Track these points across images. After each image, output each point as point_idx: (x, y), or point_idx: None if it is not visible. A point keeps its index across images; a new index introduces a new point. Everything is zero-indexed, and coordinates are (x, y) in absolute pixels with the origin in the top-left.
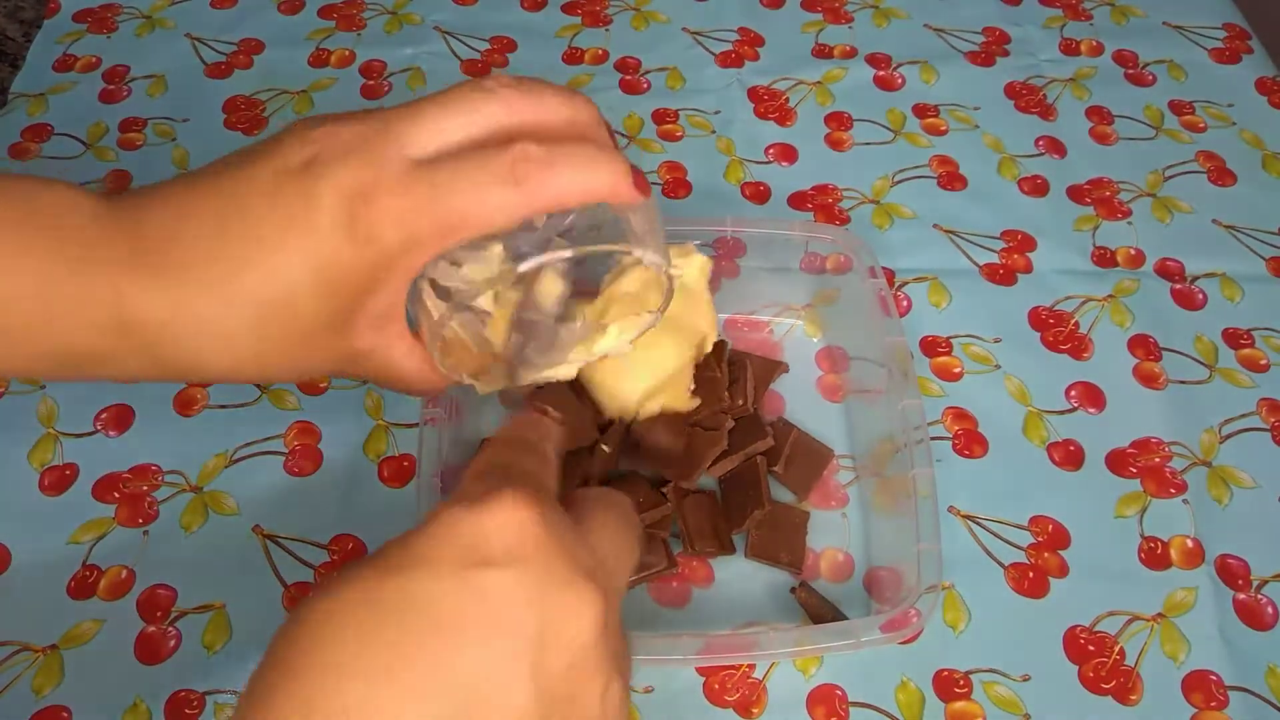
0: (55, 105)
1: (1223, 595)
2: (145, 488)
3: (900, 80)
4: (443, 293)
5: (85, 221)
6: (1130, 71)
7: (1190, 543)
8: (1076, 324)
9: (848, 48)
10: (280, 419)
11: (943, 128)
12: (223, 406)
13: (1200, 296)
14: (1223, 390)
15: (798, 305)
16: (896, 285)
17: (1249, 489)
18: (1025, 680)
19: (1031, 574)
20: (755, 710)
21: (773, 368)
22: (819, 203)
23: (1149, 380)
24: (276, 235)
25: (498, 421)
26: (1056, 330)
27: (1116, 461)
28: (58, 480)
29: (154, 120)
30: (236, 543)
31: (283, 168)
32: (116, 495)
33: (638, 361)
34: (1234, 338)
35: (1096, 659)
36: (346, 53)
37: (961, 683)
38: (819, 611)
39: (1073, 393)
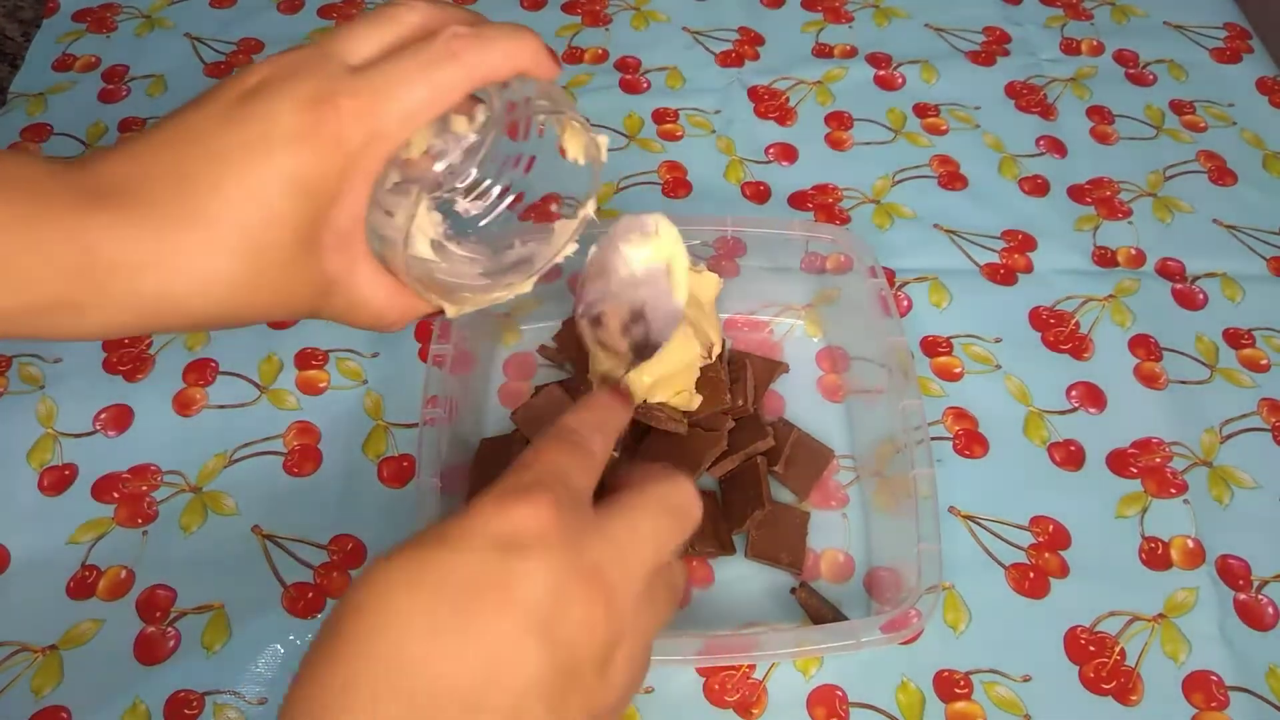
0: (54, 105)
1: (1223, 595)
2: (144, 488)
3: (901, 80)
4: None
5: (39, 176)
6: (1131, 71)
7: (1191, 543)
8: (1077, 324)
9: (848, 47)
10: (280, 419)
11: (943, 127)
12: (222, 407)
13: (1201, 296)
14: (1223, 390)
15: (798, 305)
16: (897, 285)
17: (1250, 489)
18: (1026, 681)
19: (1032, 574)
20: (755, 711)
21: (773, 368)
22: (819, 202)
23: (1150, 380)
24: (241, 155)
25: (498, 422)
26: (1057, 330)
27: (1117, 461)
28: (57, 480)
29: (153, 120)
30: (236, 543)
31: (234, 96)
32: (116, 495)
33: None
34: (1235, 338)
35: (1097, 659)
36: None
37: (962, 683)
38: (819, 612)
39: (1073, 393)
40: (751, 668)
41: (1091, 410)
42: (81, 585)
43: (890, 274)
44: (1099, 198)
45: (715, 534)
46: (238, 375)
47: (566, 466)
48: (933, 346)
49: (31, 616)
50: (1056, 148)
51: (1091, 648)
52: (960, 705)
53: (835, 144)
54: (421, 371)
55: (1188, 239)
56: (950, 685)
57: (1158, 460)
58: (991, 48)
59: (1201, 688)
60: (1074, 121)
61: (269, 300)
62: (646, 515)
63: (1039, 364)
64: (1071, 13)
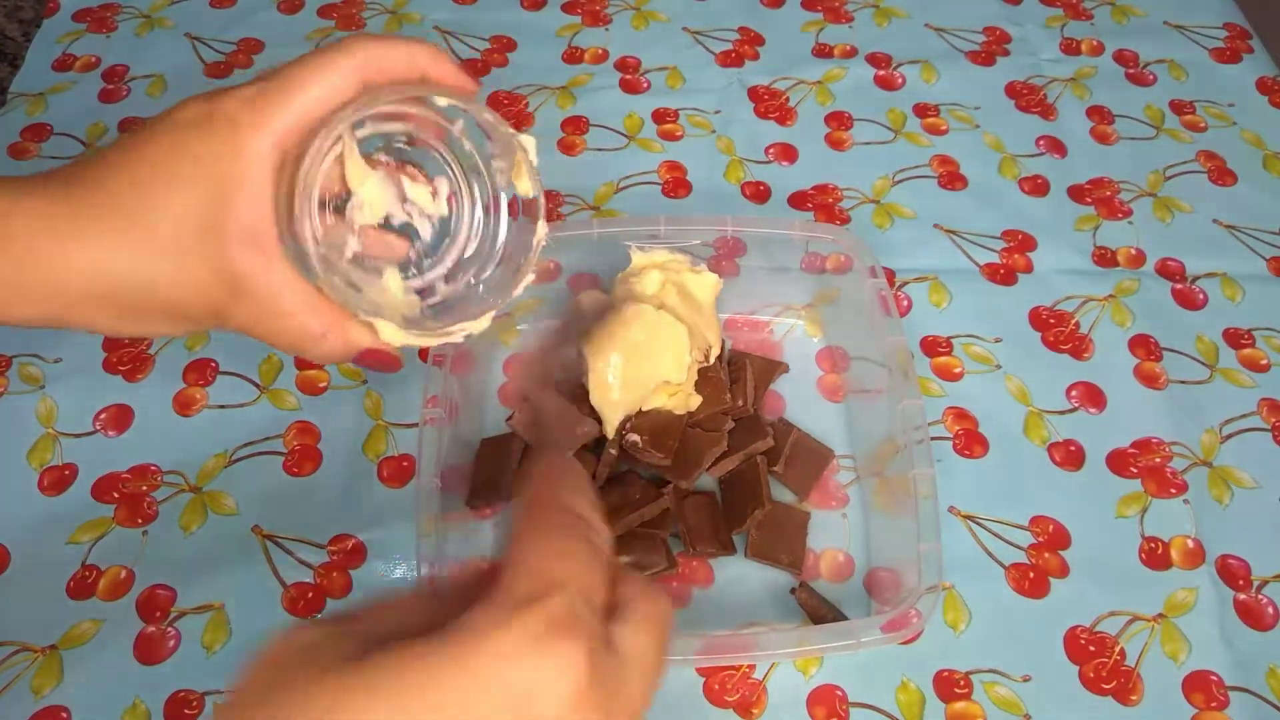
0: (54, 105)
1: (1223, 595)
2: (144, 488)
3: (901, 80)
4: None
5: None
6: (1131, 71)
7: (1191, 543)
8: (1077, 324)
9: (848, 47)
10: (280, 419)
11: (943, 127)
12: (222, 407)
13: (1201, 296)
14: (1223, 390)
15: (798, 305)
16: (897, 285)
17: (1250, 489)
18: (1026, 681)
19: (1032, 574)
20: (755, 710)
21: (773, 368)
22: (819, 202)
23: (1150, 380)
24: (145, 138)
25: (498, 422)
26: (1057, 330)
27: (1117, 461)
28: (57, 480)
29: None
30: (236, 543)
31: (181, 112)
32: (116, 495)
33: (629, 378)
34: (1234, 337)
35: (1097, 659)
36: None
37: (962, 683)
38: (819, 612)
39: (1073, 393)
40: (751, 668)
41: (1091, 410)
42: (81, 585)
43: (890, 274)
44: (1099, 198)
45: (715, 534)
46: (238, 375)
47: (592, 584)
48: (933, 346)
49: (31, 616)
50: (1056, 148)
51: (1091, 648)
52: (960, 705)
53: (835, 144)
54: (421, 371)
55: (1188, 239)
56: (950, 685)
57: (1158, 460)
58: (991, 48)
59: (1201, 688)
60: (1074, 121)
61: (169, 283)
62: (653, 647)
63: (1039, 364)
64: (1071, 13)
